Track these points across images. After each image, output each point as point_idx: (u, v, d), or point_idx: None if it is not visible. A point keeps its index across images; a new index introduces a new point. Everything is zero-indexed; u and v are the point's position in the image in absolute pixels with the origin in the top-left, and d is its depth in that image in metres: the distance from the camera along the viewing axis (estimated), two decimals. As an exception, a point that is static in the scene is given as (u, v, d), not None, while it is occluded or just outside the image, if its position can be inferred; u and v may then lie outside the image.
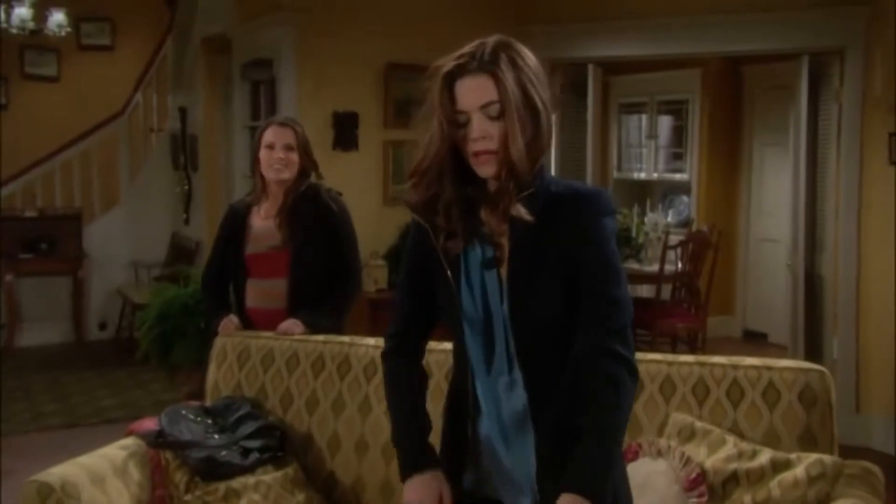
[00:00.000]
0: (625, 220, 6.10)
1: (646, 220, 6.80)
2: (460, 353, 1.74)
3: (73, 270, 7.41)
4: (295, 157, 3.14)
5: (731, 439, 2.28)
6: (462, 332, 1.70)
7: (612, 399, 1.56)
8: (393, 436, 1.78)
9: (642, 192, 7.75)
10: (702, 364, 2.42)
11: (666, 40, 5.54)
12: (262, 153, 3.14)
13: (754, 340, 7.24)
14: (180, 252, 7.33)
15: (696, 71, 7.31)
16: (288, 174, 3.14)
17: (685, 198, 7.69)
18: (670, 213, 7.59)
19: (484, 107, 1.58)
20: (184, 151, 7.56)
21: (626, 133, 8.19)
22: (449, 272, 1.68)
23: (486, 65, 1.58)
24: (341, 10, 5.44)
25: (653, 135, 7.82)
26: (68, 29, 6.99)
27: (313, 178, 3.22)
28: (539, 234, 1.60)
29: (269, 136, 3.14)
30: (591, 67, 5.42)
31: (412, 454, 1.73)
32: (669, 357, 2.48)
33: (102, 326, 7.64)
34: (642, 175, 8.00)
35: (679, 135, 7.71)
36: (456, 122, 1.61)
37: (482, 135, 1.59)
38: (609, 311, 1.59)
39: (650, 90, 7.77)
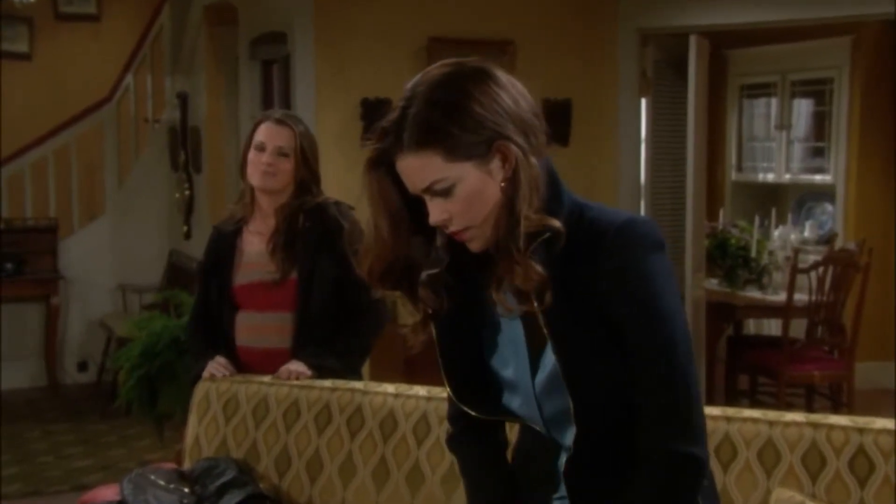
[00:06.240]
0: (742, 236, 6.03)
1: (776, 234, 6.72)
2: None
3: (45, 296, 7.55)
4: (288, 165, 3.13)
5: (854, 526, 2.23)
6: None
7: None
8: None
9: (769, 199, 7.67)
10: (815, 425, 2.37)
11: (803, 1, 5.45)
12: (251, 155, 3.15)
13: (922, 395, 7.07)
14: (179, 274, 7.42)
15: (845, 40, 7.22)
16: (275, 183, 3.13)
17: (828, 206, 7.57)
18: (808, 225, 7.51)
19: (426, 189, 1.58)
20: (184, 148, 7.72)
21: (748, 122, 8.13)
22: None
23: (413, 141, 1.56)
24: (371, -29, 5.52)
25: (785, 124, 7.74)
26: (39, -6, 7.15)
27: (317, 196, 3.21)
28: (569, 284, 1.59)
29: (261, 135, 3.15)
30: (692, 39, 5.39)
31: None
32: (771, 415, 2.43)
33: (82, 367, 7.80)
34: (770, 177, 7.93)
35: (821, 124, 7.61)
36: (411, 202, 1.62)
37: (440, 220, 1.59)
38: (665, 387, 1.58)
39: (782, 67, 7.70)
